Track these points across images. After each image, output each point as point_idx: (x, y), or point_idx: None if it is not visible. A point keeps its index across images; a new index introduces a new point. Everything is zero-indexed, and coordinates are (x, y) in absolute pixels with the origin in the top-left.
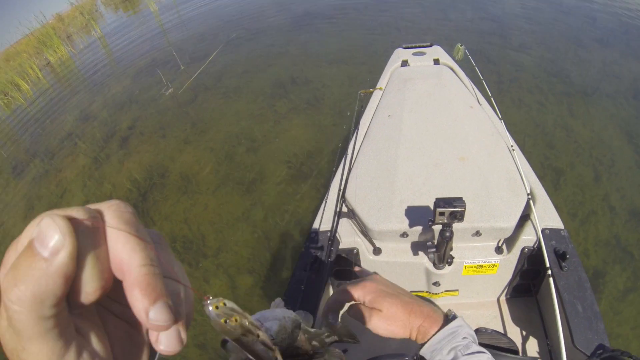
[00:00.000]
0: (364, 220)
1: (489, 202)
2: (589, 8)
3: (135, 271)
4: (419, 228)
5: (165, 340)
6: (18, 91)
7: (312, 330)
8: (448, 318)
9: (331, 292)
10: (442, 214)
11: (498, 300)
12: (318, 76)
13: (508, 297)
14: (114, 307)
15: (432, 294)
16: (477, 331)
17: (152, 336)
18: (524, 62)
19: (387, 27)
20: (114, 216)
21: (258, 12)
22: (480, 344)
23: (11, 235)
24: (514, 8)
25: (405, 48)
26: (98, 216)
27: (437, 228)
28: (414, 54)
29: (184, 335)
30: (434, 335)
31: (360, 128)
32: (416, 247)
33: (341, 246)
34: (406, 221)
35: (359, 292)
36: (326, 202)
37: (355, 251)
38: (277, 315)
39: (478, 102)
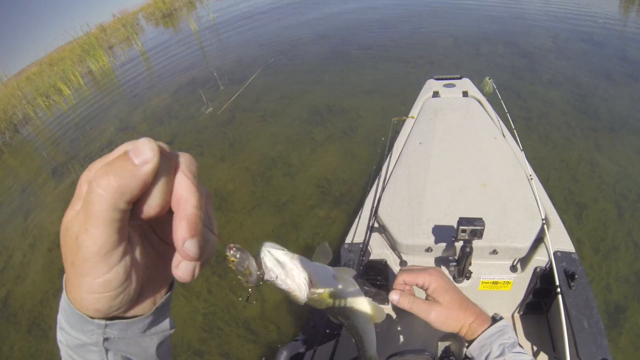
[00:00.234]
0: (394, 235)
1: (506, 224)
2: (619, 41)
3: (188, 209)
4: (443, 244)
5: (183, 268)
6: (59, 95)
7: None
8: (495, 319)
9: None
10: (464, 231)
11: (512, 316)
12: (354, 106)
13: (521, 313)
14: (152, 238)
15: None
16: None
17: (175, 261)
18: (553, 97)
19: (421, 59)
20: (185, 162)
21: (295, 38)
22: None
23: (49, 233)
24: (545, 42)
25: (437, 79)
26: (176, 157)
27: (458, 245)
28: (445, 85)
29: (197, 271)
30: (484, 331)
31: (393, 152)
32: (439, 262)
33: (371, 257)
34: (431, 237)
35: (426, 279)
36: (360, 217)
37: (384, 262)
38: (302, 265)
39: (502, 133)
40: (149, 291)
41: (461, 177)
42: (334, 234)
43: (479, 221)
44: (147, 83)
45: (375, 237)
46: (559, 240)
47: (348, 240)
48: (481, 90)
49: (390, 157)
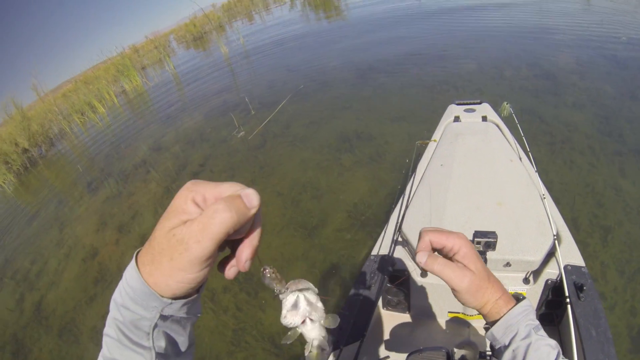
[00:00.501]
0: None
1: (519, 239)
2: None
3: (254, 239)
4: None
5: (233, 272)
6: (94, 113)
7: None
8: (518, 298)
9: (381, 312)
10: (478, 242)
11: None
12: (381, 132)
13: None
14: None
15: (467, 315)
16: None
17: (229, 265)
18: (577, 121)
19: (446, 84)
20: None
21: (323, 63)
22: None
23: (83, 244)
24: (568, 63)
25: (458, 104)
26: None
27: None
28: (465, 110)
29: (236, 275)
30: (509, 310)
31: (416, 173)
32: None
33: (396, 267)
34: None
35: (456, 242)
36: (385, 232)
37: (406, 272)
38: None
39: (519, 155)
40: None
41: (478, 196)
42: (359, 255)
43: (492, 234)
44: (179, 105)
45: (399, 250)
46: (570, 255)
47: (374, 252)
48: (499, 114)
49: (414, 177)
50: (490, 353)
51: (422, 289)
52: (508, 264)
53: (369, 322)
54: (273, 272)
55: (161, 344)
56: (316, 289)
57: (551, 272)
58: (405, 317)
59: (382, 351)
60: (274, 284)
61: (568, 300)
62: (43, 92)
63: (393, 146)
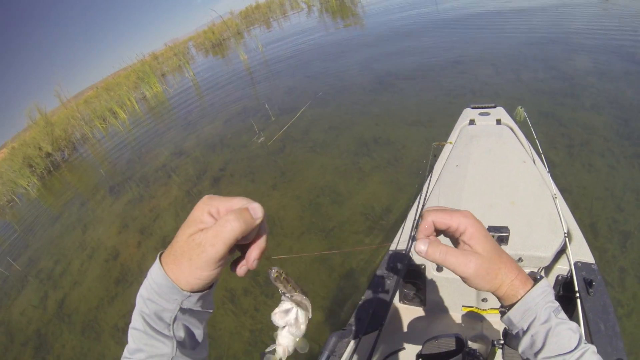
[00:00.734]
0: None
1: (531, 236)
2: None
3: (261, 244)
4: None
5: (243, 270)
6: (115, 118)
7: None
8: (536, 278)
9: (398, 306)
10: (492, 237)
11: None
12: (399, 137)
13: None
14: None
15: (481, 309)
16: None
17: (240, 264)
18: (596, 123)
19: (462, 88)
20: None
21: (341, 69)
22: None
23: (105, 246)
24: (586, 64)
25: (473, 108)
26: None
27: None
28: (480, 114)
29: (246, 272)
30: (527, 292)
31: (433, 173)
32: None
33: (412, 262)
34: None
35: (462, 221)
36: (403, 228)
37: (422, 267)
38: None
39: (532, 157)
40: None
41: (492, 196)
42: (377, 258)
43: (504, 229)
44: (199, 111)
45: None
46: (581, 252)
47: (392, 247)
48: (513, 118)
49: (431, 177)
50: (502, 342)
51: (437, 284)
52: (520, 259)
53: (386, 314)
54: (278, 273)
55: (180, 334)
56: (310, 315)
57: (562, 268)
58: (421, 311)
59: (398, 342)
60: (277, 284)
61: (578, 295)
62: (65, 98)
63: (411, 151)
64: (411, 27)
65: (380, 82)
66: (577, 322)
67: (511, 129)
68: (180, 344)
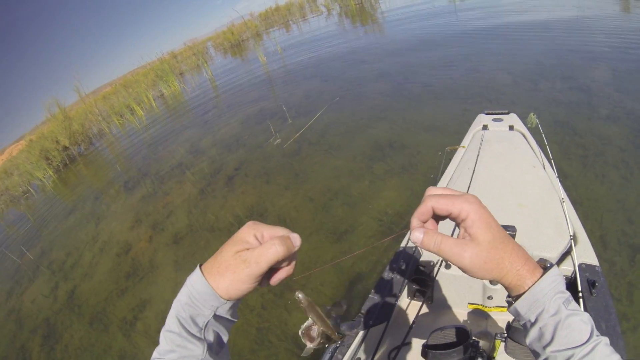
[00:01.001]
0: None
1: (538, 237)
2: None
3: (289, 270)
4: None
5: (265, 284)
6: (133, 115)
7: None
8: (546, 266)
9: (406, 301)
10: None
11: None
12: (414, 142)
13: None
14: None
15: (486, 307)
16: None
17: (274, 279)
18: (611, 133)
19: (479, 96)
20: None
21: (360, 75)
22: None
23: (118, 240)
24: (603, 75)
25: (487, 114)
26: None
27: None
28: (494, 119)
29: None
30: (536, 282)
31: (445, 175)
32: None
33: (422, 259)
34: None
35: (464, 206)
36: None
37: (431, 264)
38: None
39: (542, 163)
40: None
41: (501, 197)
42: (385, 259)
43: (511, 228)
44: (216, 110)
45: None
46: (585, 254)
47: (402, 244)
48: (526, 124)
49: (443, 179)
50: (505, 335)
51: (444, 281)
52: None
53: (393, 308)
54: (305, 300)
55: (210, 338)
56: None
57: (566, 269)
58: (428, 307)
59: (405, 336)
60: (303, 308)
61: (580, 294)
62: (84, 94)
63: (425, 156)
64: (430, 36)
65: (397, 88)
66: None
67: (523, 135)
68: (209, 348)
